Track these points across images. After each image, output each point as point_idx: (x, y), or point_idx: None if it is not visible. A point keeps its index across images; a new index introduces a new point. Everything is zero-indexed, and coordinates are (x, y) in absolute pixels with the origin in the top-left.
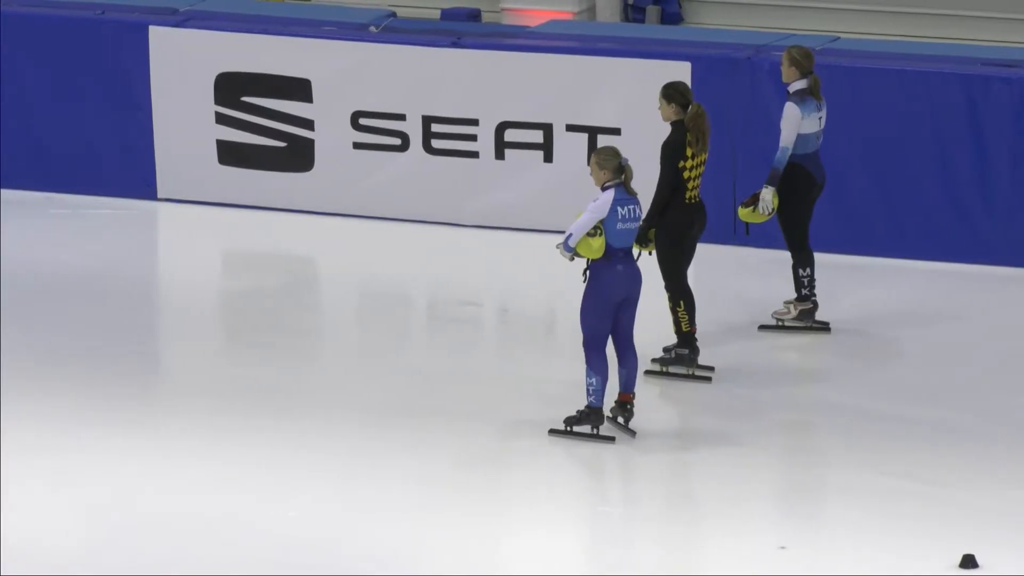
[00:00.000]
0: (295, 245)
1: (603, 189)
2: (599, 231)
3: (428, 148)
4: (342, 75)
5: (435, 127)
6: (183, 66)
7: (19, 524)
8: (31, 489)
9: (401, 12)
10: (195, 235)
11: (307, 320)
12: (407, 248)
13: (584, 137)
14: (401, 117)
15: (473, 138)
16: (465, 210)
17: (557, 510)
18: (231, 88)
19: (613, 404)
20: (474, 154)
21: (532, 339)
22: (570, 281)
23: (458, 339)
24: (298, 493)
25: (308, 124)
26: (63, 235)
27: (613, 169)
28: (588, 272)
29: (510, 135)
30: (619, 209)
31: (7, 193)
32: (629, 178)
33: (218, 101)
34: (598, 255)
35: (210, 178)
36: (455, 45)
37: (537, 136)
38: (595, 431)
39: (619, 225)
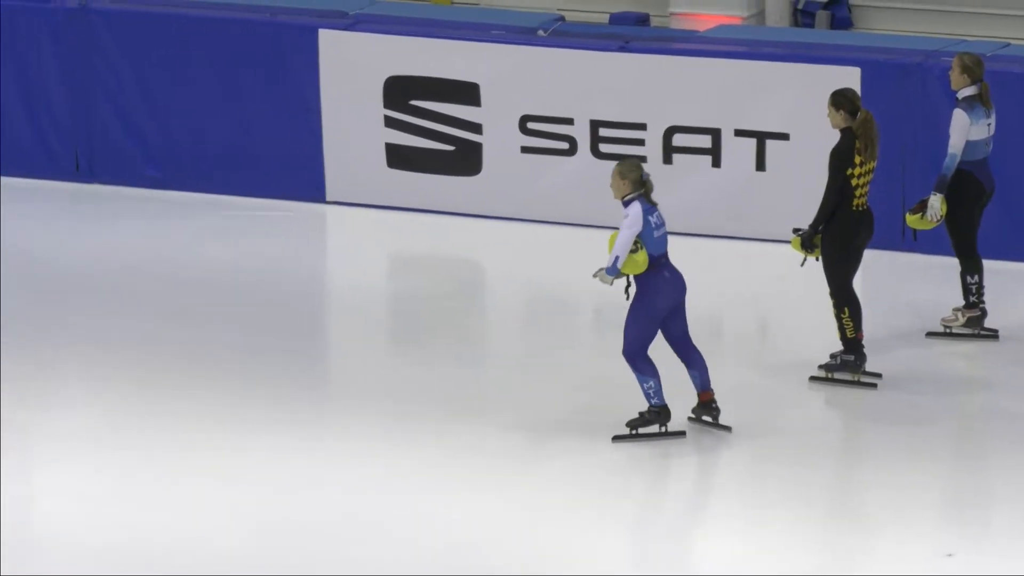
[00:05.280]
0: (462, 249)
1: (625, 203)
2: (639, 245)
3: (596, 152)
4: (510, 79)
5: (603, 131)
6: (352, 69)
7: (183, 522)
8: (195, 487)
9: (569, 16)
10: (363, 238)
11: (473, 324)
12: (574, 252)
13: (752, 142)
14: (569, 121)
15: (641, 143)
16: None
17: (723, 515)
18: (400, 92)
19: (696, 406)
20: (642, 159)
21: (697, 344)
22: (740, 286)
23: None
24: (460, 495)
25: (476, 128)
26: (233, 237)
27: (634, 180)
28: (632, 288)
29: (678, 140)
30: (650, 218)
31: (176, 195)
32: (650, 190)
33: (387, 105)
34: (644, 268)
35: (379, 181)
36: (623, 49)
37: (705, 141)
38: (663, 429)
39: (655, 233)
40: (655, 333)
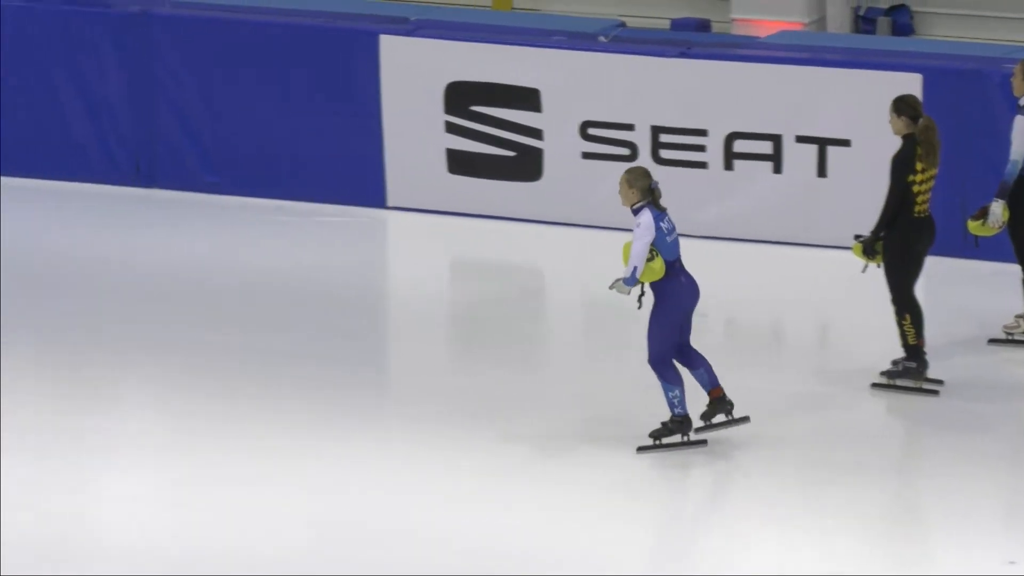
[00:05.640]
0: (522, 255)
1: (634, 211)
2: (654, 253)
3: (656, 158)
4: (571, 85)
5: (663, 137)
6: (413, 75)
7: (235, 525)
8: (249, 490)
9: (630, 22)
10: (424, 243)
11: (532, 330)
12: None
13: (814, 148)
14: (629, 127)
15: (702, 148)
16: (693, 221)
17: (771, 525)
18: (461, 97)
19: (706, 409)
20: (702, 164)
21: (758, 350)
22: (801, 292)
23: None
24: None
25: (537, 134)
26: (292, 242)
27: (643, 189)
28: (646, 295)
29: (739, 146)
30: (661, 225)
31: (236, 200)
32: (659, 197)
33: (448, 110)
34: (661, 275)
35: (439, 187)
36: (684, 55)
37: (766, 147)
38: (685, 438)
39: (668, 239)
40: (675, 339)
